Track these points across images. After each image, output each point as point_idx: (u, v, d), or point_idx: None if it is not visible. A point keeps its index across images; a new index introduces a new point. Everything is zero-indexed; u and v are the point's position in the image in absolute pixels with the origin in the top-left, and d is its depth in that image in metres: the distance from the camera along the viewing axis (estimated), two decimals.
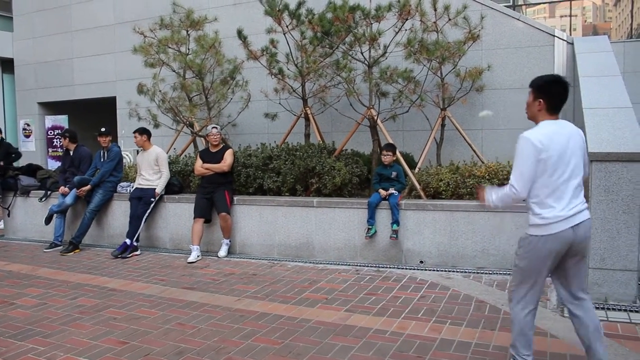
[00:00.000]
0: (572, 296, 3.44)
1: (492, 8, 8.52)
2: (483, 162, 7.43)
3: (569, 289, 3.45)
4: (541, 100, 3.33)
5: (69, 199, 8.33)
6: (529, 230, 3.34)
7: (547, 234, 3.23)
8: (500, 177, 6.55)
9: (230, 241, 7.57)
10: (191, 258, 7.25)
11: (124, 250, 7.67)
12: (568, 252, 3.29)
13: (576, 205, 3.25)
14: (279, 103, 8.81)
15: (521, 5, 17.02)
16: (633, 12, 13.35)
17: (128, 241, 7.72)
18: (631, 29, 13.68)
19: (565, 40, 8.29)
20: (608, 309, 4.90)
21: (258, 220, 7.53)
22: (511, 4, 14.88)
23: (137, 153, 8.29)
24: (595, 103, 6.08)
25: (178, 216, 8.05)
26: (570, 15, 14.66)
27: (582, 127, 5.88)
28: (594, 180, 5.02)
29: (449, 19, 7.70)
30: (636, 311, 4.81)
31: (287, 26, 8.20)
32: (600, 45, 7.95)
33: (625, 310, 4.84)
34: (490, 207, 3.47)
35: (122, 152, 8.96)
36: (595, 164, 5.01)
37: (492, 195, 3.41)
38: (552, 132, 3.24)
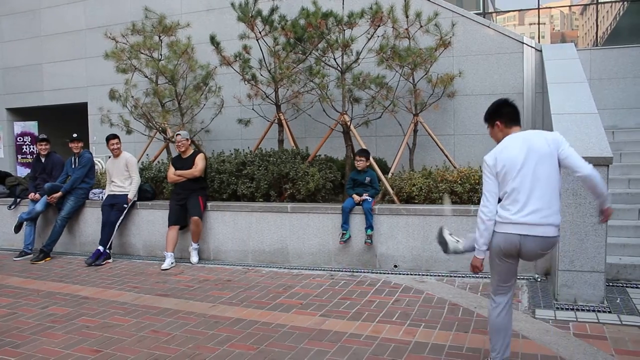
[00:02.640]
0: None
1: (462, 15, 8.66)
2: (455, 167, 7.53)
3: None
4: (498, 122, 3.63)
5: (39, 206, 8.21)
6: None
7: (498, 231, 3.48)
8: (472, 182, 6.65)
9: (199, 245, 7.55)
10: (165, 265, 7.20)
11: (97, 258, 7.58)
12: (519, 256, 3.54)
13: (532, 217, 3.39)
14: (253, 109, 8.81)
15: (491, 13, 17.30)
16: (598, 20, 13.67)
17: (101, 248, 7.64)
18: (596, 37, 14.00)
19: (534, 48, 8.46)
20: (577, 309, 5.02)
21: (232, 226, 7.51)
22: (482, 11, 15.12)
23: (109, 158, 8.20)
24: (562, 109, 6.23)
25: (151, 223, 7.99)
26: (539, 23, 14.94)
27: (550, 131, 6.02)
28: (563, 184, 5.13)
29: (421, 26, 7.81)
30: (604, 311, 4.93)
31: (260, 32, 8.22)
32: (568, 53, 8.14)
33: (593, 311, 4.95)
34: (479, 245, 3.58)
35: (94, 159, 8.85)
36: (563, 168, 5.11)
37: (474, 241, 3.60)
38: (503, 147, 3.50)
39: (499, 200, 3.49)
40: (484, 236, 3.49)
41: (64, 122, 13.11)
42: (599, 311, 4.94)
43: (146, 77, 9.12)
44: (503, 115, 3.61)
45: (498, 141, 3.63)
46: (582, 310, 5.01)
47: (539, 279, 6.01)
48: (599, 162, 5.04)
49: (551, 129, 5.86)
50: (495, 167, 3.46)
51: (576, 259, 5.17)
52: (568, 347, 4.13)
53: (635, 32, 13.88)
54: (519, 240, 3.41)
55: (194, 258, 7.49)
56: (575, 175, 3.43)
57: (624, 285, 5.67)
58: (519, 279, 6.08)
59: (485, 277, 6.17)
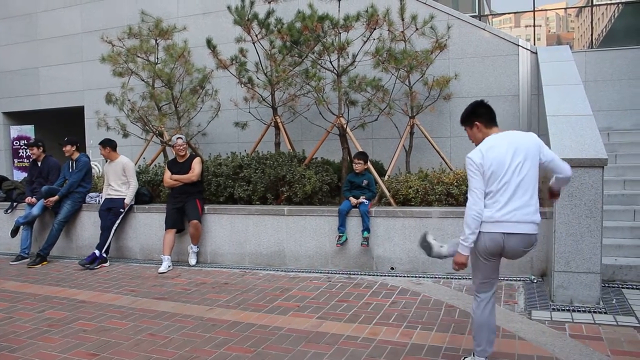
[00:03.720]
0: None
1: (458, 18, 8.69)
2: (451, 169, 7.56)
3: None
4: (477, 123, 3.68)
5: (35, 210, 8.21)
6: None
7: (483, 231, 3.51)
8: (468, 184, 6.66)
9: (198, 247, 7.56)
10: (162, 268, 7.20)
11: (92, 261, 7.56)
12: (502, 254, 3.61)
13: (514, 214, 3.46)
14: (249, 112, 8.82)
15: (487, 15, 17.35)
16: (593, 23, 13.72)
17: (97, 252, 7.62)
18: (592, 39, 14.05)
19: (529, 50, 8.49)
20: (573, 310, 5.04)
21: (229, 229, 7.51)
22: (477, 14, 15.16)
23: (107, 162, 8.20)
24: (557, 111, 6.25)
25: (148, 226, 7.99)
26: (534, 26, 14.99)
27: (545, 133, 6.06)
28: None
29: (417, 29, 7.83)
30: (600, 312, 4.95)
31: (256, 35, 8.23)
32: (563, 55, 8.17)
33: (589, 312, 4.97)
34: (467, 243, 3.58)
35: (91, 162, 8.85)
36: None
37: (460, 239, 3.60)
38: (489, 147, 3.53)
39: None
40: (475, 233, 3.51)
41: (61, 126, 13.10)
42: (594, 312, 4.96)
43: (143, 80, 9.11)
44: (482, 116, 3.68)
45: (478, 142, 3.69)
46: (578, 311, 5.03)
47: (535, 280, 6.03)
48: (594, 164, 5.07)
49: (546, 131, 5.90)
50: (482, 165, 3.50)
51: (572, 260, 5.19)
52: (564, 348, 4.15)
53: (630, 35, 13.93)
54: (502, 238, 3.48)
55: (192, 260, 7.50)
56: (558, 177, 3.65)
57: (620, 286, 5.69)
58: (516, 280, 6.10)
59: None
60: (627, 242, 6.24)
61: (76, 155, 8.36)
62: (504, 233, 3.47)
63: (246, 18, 8.07)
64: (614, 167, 7.61)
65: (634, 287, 5.65)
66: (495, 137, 3.58)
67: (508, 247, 3.51)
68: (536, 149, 3.52)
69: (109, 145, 7.97)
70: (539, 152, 3.53)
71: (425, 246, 4.27)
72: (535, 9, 14.27)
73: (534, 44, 10.08)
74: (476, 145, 3.69)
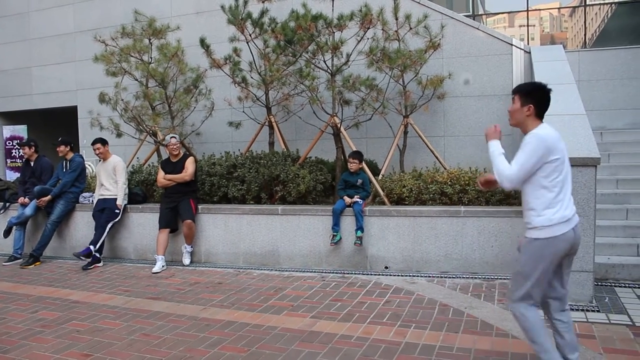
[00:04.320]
0: (561, 296, 3.49)
1: (452, 17, 8.71)
2: (445, 169, 7.57)
3: (560, 290, 3.47)
4: (531, 105, 3.38)
5: (28, 210, 8.17)
6: (532, 234, 3.31)
7: (552, 235, 3.24)
8: (462, 183, 6.69)
9: (192, 247, 7.54)
10: (156, 268, 7.18)
11: (89, 255, 7.50)
12: (568, 252, 3.35)
13: (572, 207, 3.34)
14: (243, 111, 8.81)
15: (481, 15, 17.38)
16: (586, 23, 13.78)
17: (92, 247, 7.56)
18: (585, 39, 14.10)
19: (522, 49, 8.52)
20: None
21: (223, 229, 7.50)
22: (471, 13, 15.19)
23: (99, 162, 8.17)
24: (551, 110, 6.21)
25: (142, 226, 7.97)
26: (528, 25, 15.05)
27: None
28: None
29: (410, 28, 7.84)
30: (592, 310, 4.97)
31: (250, 35, 8.22)
32: (556, 54, 8.20)
33: (582, 310, 4.99)
34: (489, 152, 3.47)
35: (85, 163, 8.82)
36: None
37: (495, 154, 3.42)
38: (557, 135, 3.31)
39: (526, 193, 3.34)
40: (497, 164, 3.37)
41: (54, 125, 13.06)
42: (587, 310, 4.98)
43: (136, 80, 9.09)
44: (542, 104, 3.41)
45: (515, 122, 3.47)
46: (571, 309, 5.03)
47: None
48: (587, 163, 5.09)
49: None
50: (552, 152, 3.23)
51: None
52: None
53: (623, 34, 13.99)
54: (573, 233, 3.29)
55: (187, 260, 7.49)
56: None
57: (613, 284, 5.72)
58: (509, 279, 6.11)
59: (475, 278, 6.20)
60: (620, 240, 6.27)
61: (70, 155, 8.32)
62: (573, 227, 3.29)
63: (240, 17, 8.06)
64: (607, 166, 7.64)
65: (627, 285, 5.68)
66: (551, 129, 3.34)
67: (577, 239, 3.33)
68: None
69: (107, 143, 7.98)
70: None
71: None
72: (529, 9, 14.32)
73: (528, 44, 10.10)
74: (512, 123, 3.51)
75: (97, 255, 7.62)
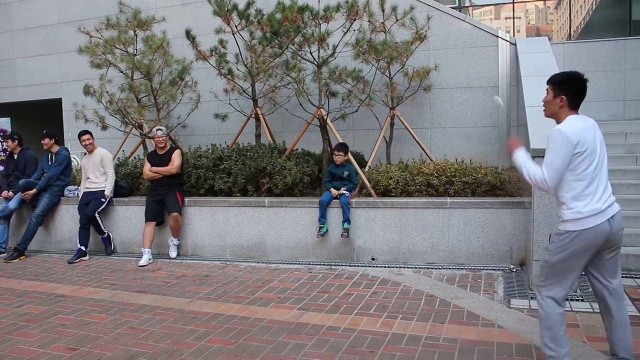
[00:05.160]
0: (608, 290, 3.42)
1: (438, 9, 8.73)
2: (432, 160, 7.60)
3: (605, 283, 3.41)
4: (563, 97, 3.32)
5: (12, 204, 8.10)
6: (564, 226, 3.27)
7: (583, 228, 3.19)
8: (448, 174, 6.71)
9: (179, 240, 7.52)
10: (142, 261, 7.15)
11: (83, 254, 7.57)
12: (604, 245, 3.26)
13: (609, 198, 3.26)
14: (229, 103, 8.78)
15: (467, 7, 17.41)
16: (571, 15, 13.86)
17: (83, 248, 7.56)
18: (570, 31, 14.19)
19: (508, 41, 8.56)
20: None
21: (210, 222, 7.48)
22: (457, 5, 15.23)
23: (85, 155, 8.11)
24: (536, 101, 6.29)
25: (128, 219, 7.93)
26: (513, 18, 15.11)
27: (524, 124, 6.11)
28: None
29: (397, 20, 7.84)
30: (576, 300, 5.02)
31: (236, 26, 8.18)
32: (541, 46, 8.25)
33: (566, 299, 5.02)
34: (515, 163, 3.41)
35: (71, 156, 8.75)
36: (537, 159, 5.18)
37: (524, 162, 3.35)
38: (583, 126, 3.25)
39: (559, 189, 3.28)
40: (530, 176, 3.28)
41: (38, 118, 12.93)
42: (571, 299, 5.02)
43: (121, 72, 9.02)
44: (575, 95, 3.34)
45: (549, 112, 3.44)
46: None
47: (514, 270, 6.09)
48: None
49: (525, 121, 5.95)
50: (578, 145, 3.17)
51: None
52: None
53: (607, 27, 14.11)
54: (608, 225, 3.21)
55: (173, 253, 7.46)
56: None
57: None
58: (495, 269, 6.17)
59: (461, 269, 6.24)
60: None
61: (55, 148, 8.24)
62: (608, 219, 3.20)
63: (226, 9, 8.02)
64: None
65: None
66: (581, 119, 3.31)
67: (614, 231, 3.23)
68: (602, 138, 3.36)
69: (90, 133, 7.95)
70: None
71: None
72: (515, 1, 14.37)
73: (514, 36, 10.14)
74: (547, 114, 3.47)
75: (83, 248, 7.58)
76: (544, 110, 3.49)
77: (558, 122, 3.37)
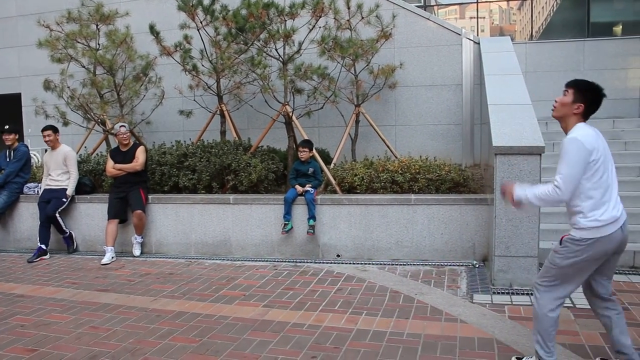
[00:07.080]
0: (602, 298, 3.44)
1: (403, 7, 8.79)
2: (396, 157, 7.66)
3: (604, 283, 3.43)
4: (582, 104, 3.27)
5: None
6: (581, 234, 3.21)
7: (601, 235, 3.17)
8: (412, 171, 6.78)
9: (142, 238, 7.43)
10: (105, 259, 7.03)
11: (44, 253, 7.41)
12: (614, 250, 3.28)
13: (619, 206, 3.26)
14: (194, 100, 8.69)
15: (433, 6, 17.59)
16: (533, 16, 14.13)
17: (44, 246, 7.40)
18: (532, 31, 14.47)
19: (472, 40, 8.67)
20: (512, 293, 5.21)
21: (174, 219, 7.41)
22: (422, 4, 15.36)
23: (45, 152, 7.93)
24: (498, 100, 6.42)
25: (90, 217, 7.78)
26: (477, 17, 15.33)
27: (487, 122, 6.21)
28: (498, 172, 5.31)
29: (362, 18, 7.87)
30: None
31: (201, 22, 8.10)
32: (504, 46, 8.38)
33: (527, 294, 5.14)
34: (520, 205, 3.38)
35: (30, 152, 8.54)
36: (499, 157, 5.30)
37: (527, 192, 3.31)
38: (594, 134, 3.21)
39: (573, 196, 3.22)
40: (543, 201, 3.25)
41: None
42: (532, 294, 5.11)
43: (83, 67, 8.83)
44: (592, 105, 3.28)
45: (560, 117, 3.37)
46: (517, 294, 5.20)
47: (477, 266, 6.19)
48: (532, 151, 5.24)
49: (488, 119, 6.05)
50: (594, 152, 3.13)
51: (511, 244, 5.36)
52: (503, 329, 4.29)
53: (567, 28, 14.41)
54: (621, 232, 3.22)
55: (137, 251, 7.37)
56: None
57: None
58: (459, 265, 6.26)
59: (425, 265, 6.32)
60: (564, 227, 6.45)
61: (15, 144, 8.05)
62: (621, 226, 3.21)
63: (190, 4, 7.93)
64: (551, 154, 7.85)
65: None
66: (592, 128, 3.24)
67: (625, 238, 3.25)
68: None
69: (58, 131, 7.76)
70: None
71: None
72: (479, 1, 14.57)
73: (478, 35, 10.28)
74: (555, 115, 3.40)
75: (43, 247, 7.42)
76: (552, 110, 3.42)
77: (564, 126, 3.35)
